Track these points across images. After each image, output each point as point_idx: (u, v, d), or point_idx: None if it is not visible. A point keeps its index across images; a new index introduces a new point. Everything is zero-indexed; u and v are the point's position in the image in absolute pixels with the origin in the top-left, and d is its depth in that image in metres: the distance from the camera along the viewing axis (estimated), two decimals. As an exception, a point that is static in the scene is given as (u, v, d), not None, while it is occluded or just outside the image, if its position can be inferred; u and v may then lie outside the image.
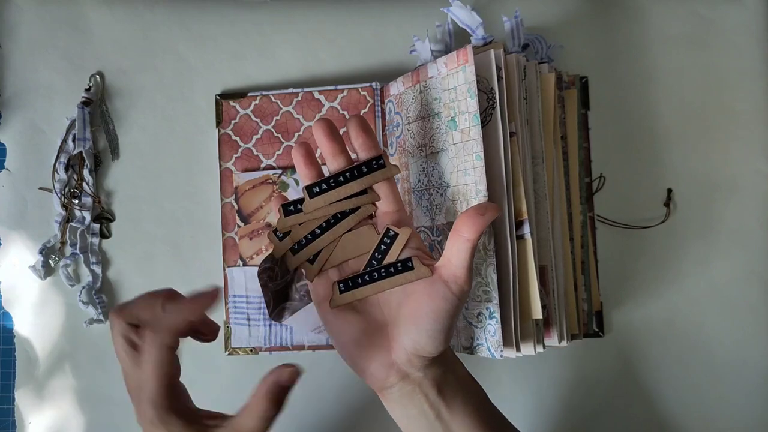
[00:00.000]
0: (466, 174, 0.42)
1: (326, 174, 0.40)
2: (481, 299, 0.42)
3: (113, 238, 0.54)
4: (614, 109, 0.53)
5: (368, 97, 0.50)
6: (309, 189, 0.39)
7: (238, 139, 0.52)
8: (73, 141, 0.53)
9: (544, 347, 0.43)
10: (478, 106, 0.41)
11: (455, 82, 0.43)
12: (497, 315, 0.40)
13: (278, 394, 0.32)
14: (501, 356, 0.40)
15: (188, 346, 0.37)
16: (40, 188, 0.54)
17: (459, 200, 0.43)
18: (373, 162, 0.39)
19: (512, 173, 0.42)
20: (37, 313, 0.54)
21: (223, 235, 0.51)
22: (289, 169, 0.51)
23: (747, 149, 0.52)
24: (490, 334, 0.41)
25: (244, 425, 0.32)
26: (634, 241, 0.52)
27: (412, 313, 0.36)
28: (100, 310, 0.53)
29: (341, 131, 0.49)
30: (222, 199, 0.52)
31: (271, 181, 0.51)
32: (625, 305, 0.52)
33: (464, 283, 0.35)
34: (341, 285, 0.39)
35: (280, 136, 0.51)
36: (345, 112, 0.51)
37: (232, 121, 0.52)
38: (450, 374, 0.37)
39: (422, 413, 0.36)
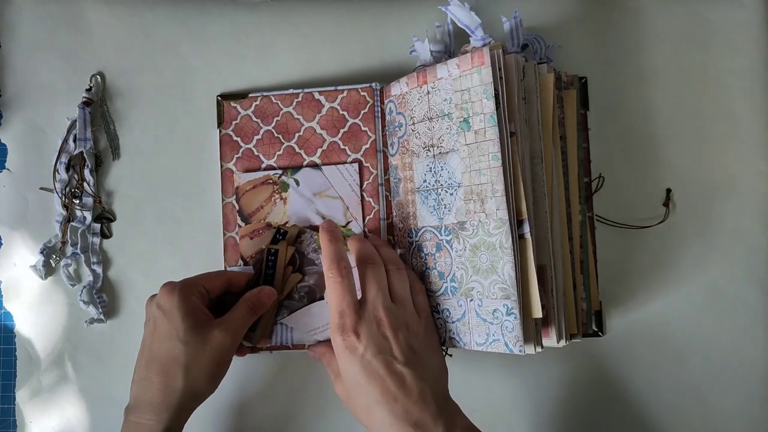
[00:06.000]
0: (480, 174, 0.42)
1: None
2: (497, 296, 0.42)
3: (114, 238, 0.54)
4: (613, 109, 0.53)
5: (368, 98, 0.51)
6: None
7: (239, 139, 0.52)
8: (74, 141, 0.53)
9: (542, 347, 0.43)
10: (494, 108, 0.41)
11: (469, 84, 0.43)
12: (516, 311, 0.41)
13: (258, 307, 0.46)
14: (520, 351, 0.41)
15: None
16: (41, 188, 0.54)
17: (473, 200, 0.43)
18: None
19: (512, 173, 0.42)
20: (38, 312, 0.54)
21: (224, 235, 0.51)
22: (290, 169, 0.51)
23: (746, 149, 0.52)
24: (507, 330, 0.41)
25: (232, 320, 0.45)
26: (634, 241, 0.52)
27: None
28: (100, 310, 0.53)
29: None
30: (223, 199, 0.52)
31: (271, 181, 0.51)
32: (624, 305, 0.52)
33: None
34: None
35: (280, 136, 0.51)
36: (345, 113, 0.51)
37: (233, 122, 0.52)
38: None
39: None
